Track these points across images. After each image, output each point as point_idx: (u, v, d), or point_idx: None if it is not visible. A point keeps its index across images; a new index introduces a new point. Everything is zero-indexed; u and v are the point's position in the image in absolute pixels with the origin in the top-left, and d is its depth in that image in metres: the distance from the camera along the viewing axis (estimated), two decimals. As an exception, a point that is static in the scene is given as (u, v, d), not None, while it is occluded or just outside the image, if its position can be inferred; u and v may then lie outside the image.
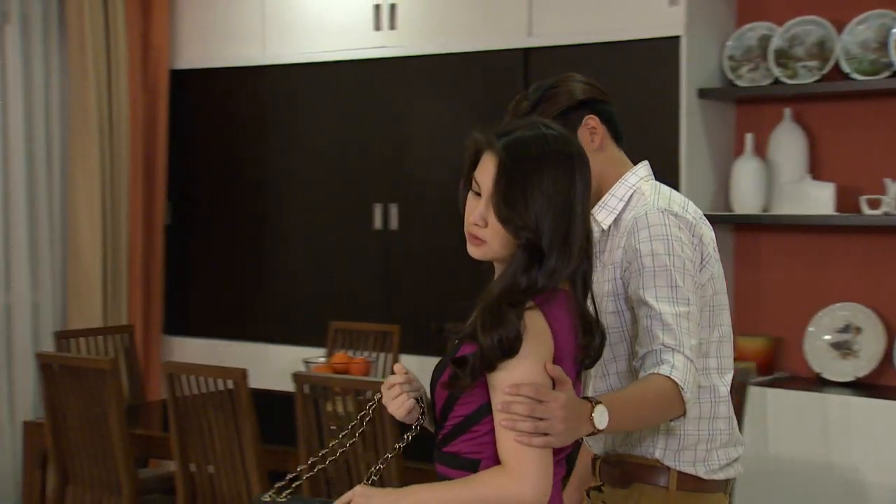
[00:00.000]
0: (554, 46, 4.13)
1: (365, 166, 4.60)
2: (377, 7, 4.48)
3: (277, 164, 4.80)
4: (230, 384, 3.22)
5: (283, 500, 1.73)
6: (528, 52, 4.19)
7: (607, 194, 2.05)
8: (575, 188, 1.69)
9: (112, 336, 4.35)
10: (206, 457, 3.34)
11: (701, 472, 1.99)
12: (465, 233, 1.73)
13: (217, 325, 4.91)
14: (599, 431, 1.72)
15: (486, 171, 1.70)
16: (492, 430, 1.68)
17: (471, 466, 1.70)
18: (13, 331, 4.67)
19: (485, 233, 1.70)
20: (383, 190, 4.54)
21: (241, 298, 4.88)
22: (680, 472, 1.99)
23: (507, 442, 1.64)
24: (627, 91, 3.99)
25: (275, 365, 4.55)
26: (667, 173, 3.92)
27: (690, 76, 3.87)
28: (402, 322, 4.35)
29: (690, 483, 1.99)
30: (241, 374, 3.20)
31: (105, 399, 3.45)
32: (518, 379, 1.64)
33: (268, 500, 1.74)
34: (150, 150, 4.94)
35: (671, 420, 1.90)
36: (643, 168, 2.09)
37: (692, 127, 3.89)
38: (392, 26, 4.45)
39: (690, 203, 2.06)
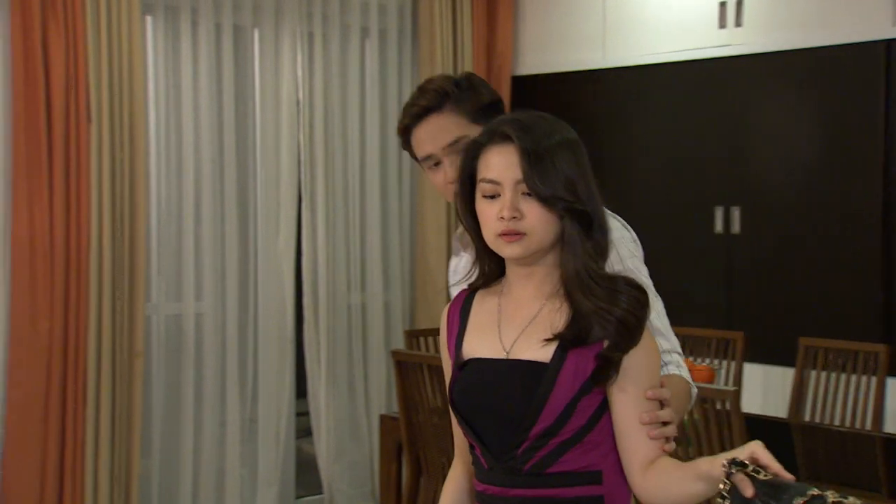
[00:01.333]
0: (922, 36, 3.82)
1: (706, 168, 4.48)
2: (722, 4, 4.34)
3: (616, 167, 4.78)
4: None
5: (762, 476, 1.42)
6: (890, 43, 3.90)
7: None
8: (587, 160, 1.67)
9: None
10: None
11: None
12: (496, 238, 1.63)
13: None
14: None
15: (499, 165, 1.63)
16: (609, 436, 1.61)
17: (594, 479, 1.61)
18: (368, 328, 4.94)
19: (524, 224, 1.61)
20: (725, 192, 4.40)
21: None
22: None
23: (649, 442, 1.60)
24: None
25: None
26: None
27: None
28: (747, 329, 4.19)
29: None
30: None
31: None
32: (653, 361, 1.61)
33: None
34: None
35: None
36: None
37: None
38: (738, 23, 4.31)
39: None
